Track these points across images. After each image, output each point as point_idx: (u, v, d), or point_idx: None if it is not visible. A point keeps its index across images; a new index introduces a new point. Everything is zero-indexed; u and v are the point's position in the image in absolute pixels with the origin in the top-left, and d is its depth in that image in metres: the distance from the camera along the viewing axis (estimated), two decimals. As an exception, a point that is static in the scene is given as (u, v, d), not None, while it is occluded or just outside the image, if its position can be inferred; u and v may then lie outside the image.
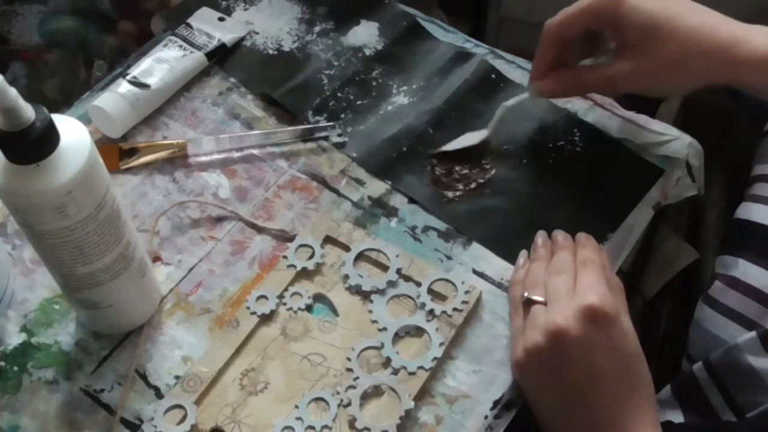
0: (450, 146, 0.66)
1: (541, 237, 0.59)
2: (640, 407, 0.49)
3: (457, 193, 0.63)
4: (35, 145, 0.43)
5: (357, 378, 0.54)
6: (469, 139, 0.66)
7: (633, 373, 0.50)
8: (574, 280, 0.52)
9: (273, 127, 0.69)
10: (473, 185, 0.64)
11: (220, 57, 0.73)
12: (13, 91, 0.41)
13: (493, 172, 0.65)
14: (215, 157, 0.67)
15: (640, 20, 0.56)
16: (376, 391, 0.53)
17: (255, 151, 0.67)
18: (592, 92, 0.66)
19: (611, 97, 0.67)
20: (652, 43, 0.56)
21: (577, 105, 0.68)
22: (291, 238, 0.61)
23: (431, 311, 0.56)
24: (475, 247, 0.61)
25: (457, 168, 0.64)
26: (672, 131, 0.66)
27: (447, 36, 0.76)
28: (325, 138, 0.68)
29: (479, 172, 0.65)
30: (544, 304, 0.52)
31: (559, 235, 0.59)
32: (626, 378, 0.49)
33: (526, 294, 0.54)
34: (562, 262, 0.54)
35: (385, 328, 0.56)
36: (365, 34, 0.75)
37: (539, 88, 0.62)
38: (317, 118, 0.69)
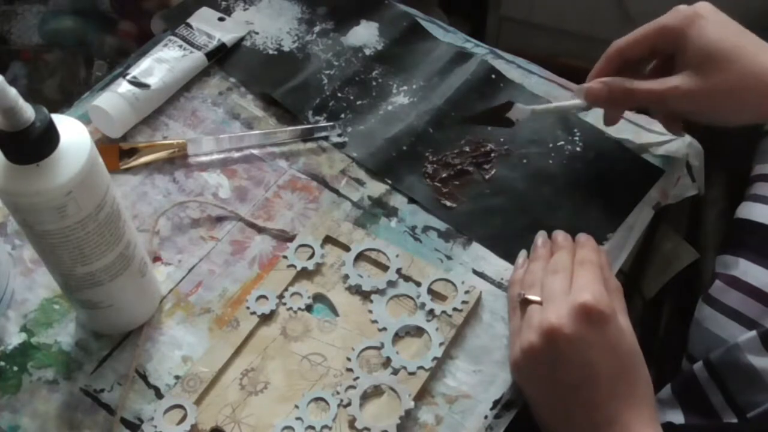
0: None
1: (541, 237, 0.59)
2: (638, 406, 0.49)
3: (455, 204, 0.63)
4: (35, 145, 0.43)
5: (357, 378, 0.54)
6: (517, 109, 0.63)
7: (630, 371, 0.50)
8: (570, 279, 0.52)
9: (273, 127, 0.69)
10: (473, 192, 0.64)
11: (220, 57, 0.73)
12: (13, 91, 0.41)
13: (493, 172, 0.65)
14: (215, 157, 0.67)
15: (704, 44, 0.55)
16: (376, 391, 0.53)
17: (255, 151, 0.67)
18: (641, 105, 0.63)
19: (661, 114, 0.65)
20: (711, 69, 0.56)
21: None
22: (291, 238, 0.61)
23: (431, 311, 0.56)
24: (475, 247, 0.61)
25: (456, 182, 0.64)
26: (672, 131, 0.66)
27: (447, 36, 0.76)
28: (325, 138, 0.68)
29: (478, 174, 0.65)
30: (541, 303, 0.52)
31: (559, 235, 0.59)
32: (623, 376, 0.49)
33: (522, 293, 0.54)
34: (559, 262, 0.55)
35: (385, 328, 0.56)
36: (365, 34, 0.75)
37: (588, 89, 0.61)
38: (317, 118, 0.69)
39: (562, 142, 0.66)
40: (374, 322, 0.56)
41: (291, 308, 0.57)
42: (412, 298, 0.57)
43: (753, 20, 0.57)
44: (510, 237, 0.61)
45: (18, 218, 0.47)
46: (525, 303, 0.53)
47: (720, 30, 0.56)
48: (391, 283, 0.58)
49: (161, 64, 0.69)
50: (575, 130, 0.67)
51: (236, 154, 0.67)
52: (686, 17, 0.57)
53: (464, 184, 0.64)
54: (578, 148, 0.66)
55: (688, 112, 0.60)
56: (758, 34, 0.57)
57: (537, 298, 0.52)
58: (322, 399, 0.53)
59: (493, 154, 0.66)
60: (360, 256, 0.60)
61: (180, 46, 0.71)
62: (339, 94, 0.71)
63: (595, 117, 0.67)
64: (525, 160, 0.65)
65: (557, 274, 0.53)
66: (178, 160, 0.67)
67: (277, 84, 0.71)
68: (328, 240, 0.61)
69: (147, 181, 0.65)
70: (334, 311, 0.58)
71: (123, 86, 0.67)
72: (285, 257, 0.59)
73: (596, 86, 0.60)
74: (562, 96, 0.70)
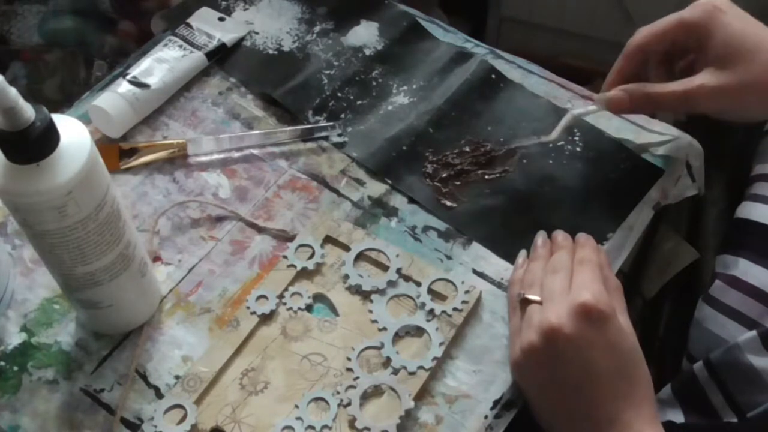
0: (518, 142, 0.65)
1: (540, 237, 0.59)
2: (639, 405, 0.49)
3: (455, 204, 0.63)
4: (35, 145, 0.43)
5: (357, 378, 0.54)
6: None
7: (630, 370, 0.50)
8: (570, 279, 0.52)
9: (273, 127, 0.69)
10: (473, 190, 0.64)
11: (220, 57, 0.73)
12: (13, 91, 0.41)
13: (493, 171, 0.65)
14: (215, 157, 0.67)
15: (727, 37, 0.55)
16: (376, 391, 0.53)
17: (255, 151, 0.67)
18: (665, 110, 0.62)
19: (684, 117, 0.65)
20: (735, 62, 0.55)
21: (577, 105, 0.68)
22: (291, 238, 0.61)
23: (431, 311, 0.56)
24: (475, 247, 0.61)
25: (456, 182, 0.64)
26: (672, 131, 0.66)
27: (447, 36, 0.76)
28: (325, 138, 0.68)
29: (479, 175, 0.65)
30: (540, 303, 0.52)
31: (559, 235, 0.59)
32: (623, 375, 0.49)
33: (522, 293, 0.54)
34: (559, 261, 0.55)
35: (385, 328, 0.56)
36: (365, 34, 0.75)
37: (608, 99, 0.60)
38: (317, 118, 0.69)
39: (562, 142, 0.66)
40: (374, 322, 0.56)
41: (291, 308, 0.57)
42: (412, 298, 0.57)
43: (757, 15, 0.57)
44: (510, 237, 0.61)
45: (18, 218, 0.47)
46: (525, 303, 0.53)
47: (740, 23, 0.55)
48: (391, 283, 0.58)
49: (161, 64, 0.69)
50: (575, 130, 0.67)
51: (236, 154, 0.67)
52: (706, 11, 0.56)
53: (464, 184, 0.64)
54: (578, 148, 0.66)
55: (715, 111, 0.58)
56: None
57: (537, 298, 0.52)
58: (322, 399, 0.53)
59: (493, 154, 0.66)
60: (360, 256, 0.60)
61: (180, 46, 0.71)
62: (339, 94, 0.71)
63: (594, 117, 0.67)
64: (525, 160, 0.65)
65: (557, 274, 0.53)
66: (178, 160, 0.67)
67: (277, 84, 0.71)
68: (328, 240, 0.61)
69: (147, 181, 0.65)
70: (334, 311, 0.58)
71: (123, 86, 0.67)
72: (285, 257, 0.59)
73: (617, 95, 0.59)
74: (561, 96, 0.70)
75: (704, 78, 0.55)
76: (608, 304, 0.50)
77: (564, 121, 0.64)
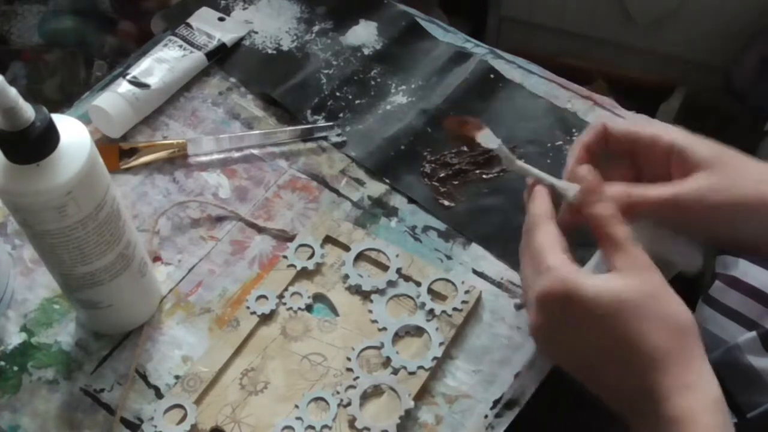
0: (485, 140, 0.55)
1: None
2: (658, 369, 0.41)
3: (454, 204, 0.63)
4: (35, 145, 0.43)
5: (357, 378, 0.54)
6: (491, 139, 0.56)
7: (627, 340, 0.42)
8: (532, 263, 0.47)
9: (273, 127, 0.69)
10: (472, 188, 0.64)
11: (220, 57, 0.73)
12: (13, 91, 0.41)
13: (491, 171, 0.65)
14: (215, 157, 0.67)
15: (709, 144, 0.48)
16: (376, 391, 0.53)
17: (255, 151, 0.67)
18: (643, 217, 0.48)
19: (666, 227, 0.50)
20: (725, 159, 0.47)
21: (577, 105, 0.68)
22: (291, 238, 0.61)
23: (431, 311, 0.56)
24: (475, 247, 0.61)
25: (454, 182, 0.64)
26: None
27: (446, 36, 0.76)
28: (325, 138, 0.68)
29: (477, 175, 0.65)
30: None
31: None
32: (621, 350, 0.43)
33: (517, 302, 0.52)
34: (520, 251, 0.50)
35: (385, 328, 0.56)
36: (364, 34, 0.75)
37: (583, 179, 0.49)
38: (316, 117, 0.69)
39: (560, 142, 0.66)
40: (374, 321, 0.56)
41: (291, 308, 0.57)
42: (412, 297, 0.57)
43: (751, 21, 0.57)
44: (509, 237, 0.61)
45: (18, 218, 0.47)
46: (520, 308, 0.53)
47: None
48: (391, 283, 0.58)
49: (161, 64, 0.69)
50: (573, 130, 0.67)
51: (236, 154, 0.67)
52: (676, 130, 0.50)
53: (462, 184, 0.64)
54: (578, 148, 0.66)
55: (706, 223, 0.47)
56: (745, 41, 0.56)
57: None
58: (322, 399, 0.53)
59: (491, 154, 0.66)
60: (360, 256, 0.60)
61: (180, 46, 0.71)
62: (338, 94, 0.71)
63: (593, 117, 0.67)
64: (523, 160, 0.65)
65: (522, 267, 0.49)
66: (178, 160, 0.67)
67: (276, 83, 0.71)
68: (328, 240, 0.61)
69: (147, 181, 0.65)
70: (334, 311, 0.58)
71: (123, 86, 0.67)
72: (285, 257, 0.59)
73: (594, 182, 0.49)
74: (561, 96, 0.70)
75: (696, 178, 0.46)
76: (560, 281, 0.43)
77: (520, 164, 0.54)
